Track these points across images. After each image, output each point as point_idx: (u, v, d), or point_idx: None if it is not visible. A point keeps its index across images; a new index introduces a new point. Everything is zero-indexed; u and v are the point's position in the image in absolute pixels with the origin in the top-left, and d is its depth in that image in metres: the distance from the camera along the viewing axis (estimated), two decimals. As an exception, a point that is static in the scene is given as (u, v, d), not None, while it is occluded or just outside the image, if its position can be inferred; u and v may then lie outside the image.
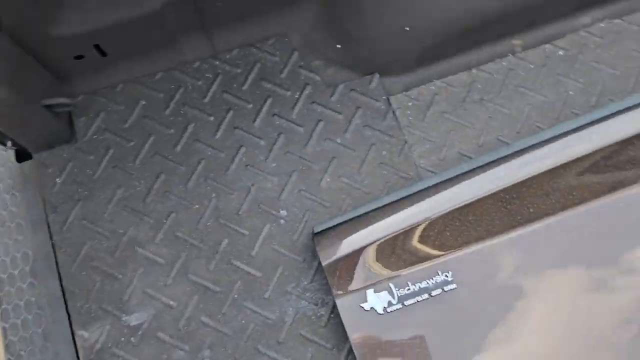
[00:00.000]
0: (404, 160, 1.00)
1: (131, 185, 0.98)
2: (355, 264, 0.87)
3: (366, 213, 0.89)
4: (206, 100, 1.02)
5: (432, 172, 0.99)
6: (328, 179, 0.99)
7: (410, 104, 1.03)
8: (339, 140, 1.01)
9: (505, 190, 0.86)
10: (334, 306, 0.92)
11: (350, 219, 0.89)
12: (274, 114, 1.02)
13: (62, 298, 0.94)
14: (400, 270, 0.86)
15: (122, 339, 0.91)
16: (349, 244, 0.88)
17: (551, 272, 0.85)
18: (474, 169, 0.89)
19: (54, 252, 0.96)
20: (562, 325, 0.83)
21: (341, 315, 0.86)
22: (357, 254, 0.87)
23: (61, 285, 0.94)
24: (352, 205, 0.96)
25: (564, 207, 0.86)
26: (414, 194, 0.89)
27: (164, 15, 0.93)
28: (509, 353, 0.82)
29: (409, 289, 0.85)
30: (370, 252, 0.87)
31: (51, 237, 0.96)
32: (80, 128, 1.00)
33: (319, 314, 0.92)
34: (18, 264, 0.98)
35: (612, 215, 0.86)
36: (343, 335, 0.91)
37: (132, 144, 1.00)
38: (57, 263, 0.95)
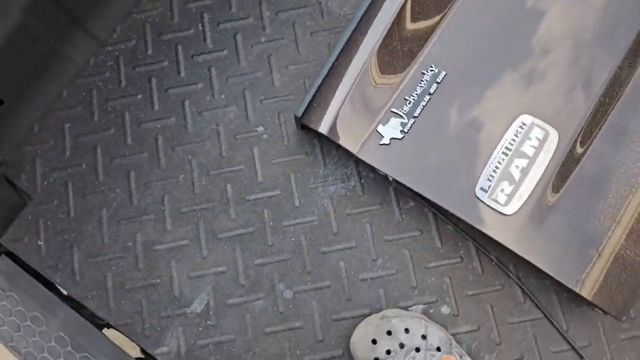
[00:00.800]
0: (330, 18, 0.98)
1: (110, 200, 0.91)
2: (351, 114, 0.85)
3: (330, 70, 0.86)
4: (123, 84, 0.96)
5: (359, 11, 0.97)
6: (278, 76, 0.95)
7: (300, -30, 1.01)
8: (263, 39, 0.98)
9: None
10: (359, 170, 0.90)
11: (320, 87, 0.86)
12: (192, 56, 0.97)
13: (117, 347, 0.87)
14: (391, 93, 0.85)
15: (200, 328, 0.85)
16: (333, 104, 0.85)
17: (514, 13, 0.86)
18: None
19: (82, 308, 0.88)
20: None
21: (372, 164, 0.83)
22: (345, 106, 0.85)
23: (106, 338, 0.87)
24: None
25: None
26: (359, 24, 0.87)
27: (33, 28, 0.86)
28: (520, 93, 0.83)
29: (409, 102, 0.84)
30: (356, 97, 0.85)
31: (71, 299, 0.89)
32: (26, 185, 0.92)
33: (351, 187, 0.90)
34: (59, 350, 0.91)
35: None
36: (383, 189, 0.89)
37: (84, 166, 0.93)
38: (94, 316, 0.88)
